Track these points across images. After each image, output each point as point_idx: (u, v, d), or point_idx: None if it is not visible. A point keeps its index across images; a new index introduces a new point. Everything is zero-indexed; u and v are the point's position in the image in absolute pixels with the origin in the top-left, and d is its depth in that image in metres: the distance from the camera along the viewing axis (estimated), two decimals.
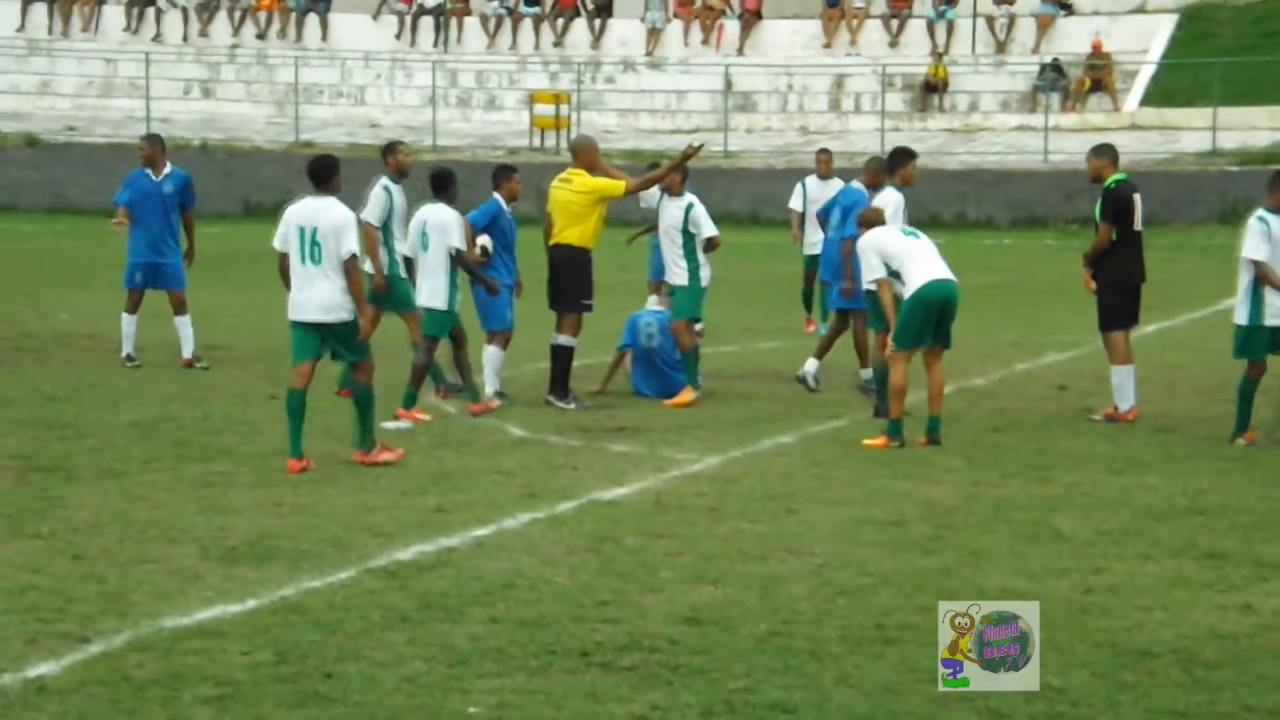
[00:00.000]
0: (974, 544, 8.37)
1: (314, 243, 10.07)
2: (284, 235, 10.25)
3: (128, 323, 14.33)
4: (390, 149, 12.87)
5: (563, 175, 12.70)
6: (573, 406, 12.23)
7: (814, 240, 16.06)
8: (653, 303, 13.74)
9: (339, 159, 10.78)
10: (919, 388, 11.25)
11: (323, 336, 10.29)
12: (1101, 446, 11.05)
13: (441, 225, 12.03)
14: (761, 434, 11.38)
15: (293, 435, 10.11)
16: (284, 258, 10.28)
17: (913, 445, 10.91)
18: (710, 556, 8.10)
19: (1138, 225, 12.09)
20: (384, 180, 12.58)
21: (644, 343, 12.98)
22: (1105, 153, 12.28)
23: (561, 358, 12.42)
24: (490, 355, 12.61)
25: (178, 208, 14.34)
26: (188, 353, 14.24)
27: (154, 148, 14.53)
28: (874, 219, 11.59)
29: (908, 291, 10.96)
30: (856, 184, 13.71)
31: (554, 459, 10.49)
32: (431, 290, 12.08)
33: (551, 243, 12.51)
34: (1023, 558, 8.10)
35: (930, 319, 10.96)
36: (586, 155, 12.71)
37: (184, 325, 14.27)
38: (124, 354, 14.23)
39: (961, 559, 8.06)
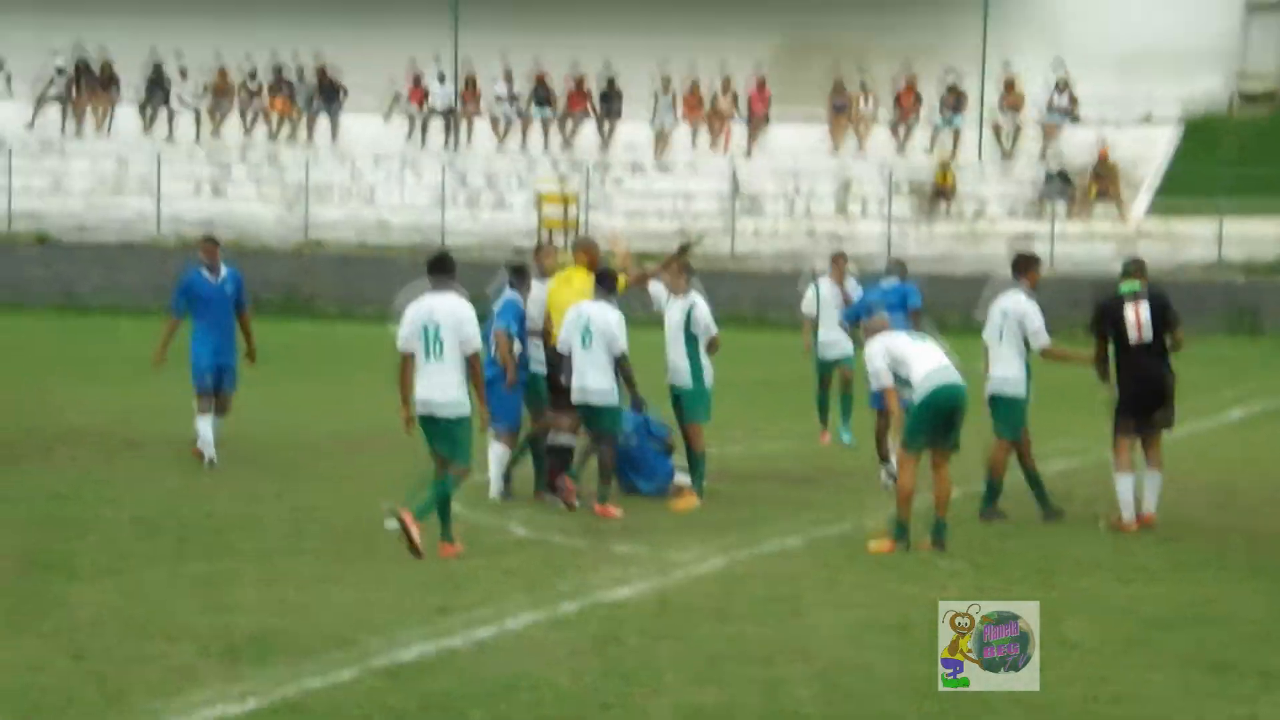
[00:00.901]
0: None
1: (437, 339, 10.35)
2: (408, 337, 10.50)
3: (206, 426, 13.91)
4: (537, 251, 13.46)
5: (563, 275, 12.77)
6: (561, 504, 12.24)
7: (829, 341, 15.80)
8: None
9: (453, 256, 11.16)
10: (925, 490, 11.21)
11: (436, 428, 10.47)
12: (1108, 553, 10.99)
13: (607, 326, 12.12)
14: (767, 536, 11.33)
15: (442, 521, 10.40)
16: (406, 361, 10.50)
17: (918, 549, 10.86)
18: (714, 658, 8.04)
19: (1131, 338, 12.08)
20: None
21: (621, 442, 12.90)
22: (1124, 265, 12.48)
23: (563, 455, 12.42)
24: (496, 454, 12.61)
25: (237, 308, 14.29)
26: (210, 453, 13.90)
27: (216, 249, 14.36)
28: (880, 326, 11.63)
29: (917, 396, 10.96)
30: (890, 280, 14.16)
31: (557, 559, 10.44)
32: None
33: (555, 341, 12.52)
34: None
35: (939, 423, 10.96)
36: (589, 254, 12.82)
37: (218, 426, 14.10)
38: (208, 458, 13.79)
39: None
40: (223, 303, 14.16)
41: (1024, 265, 12.76)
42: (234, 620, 8.59)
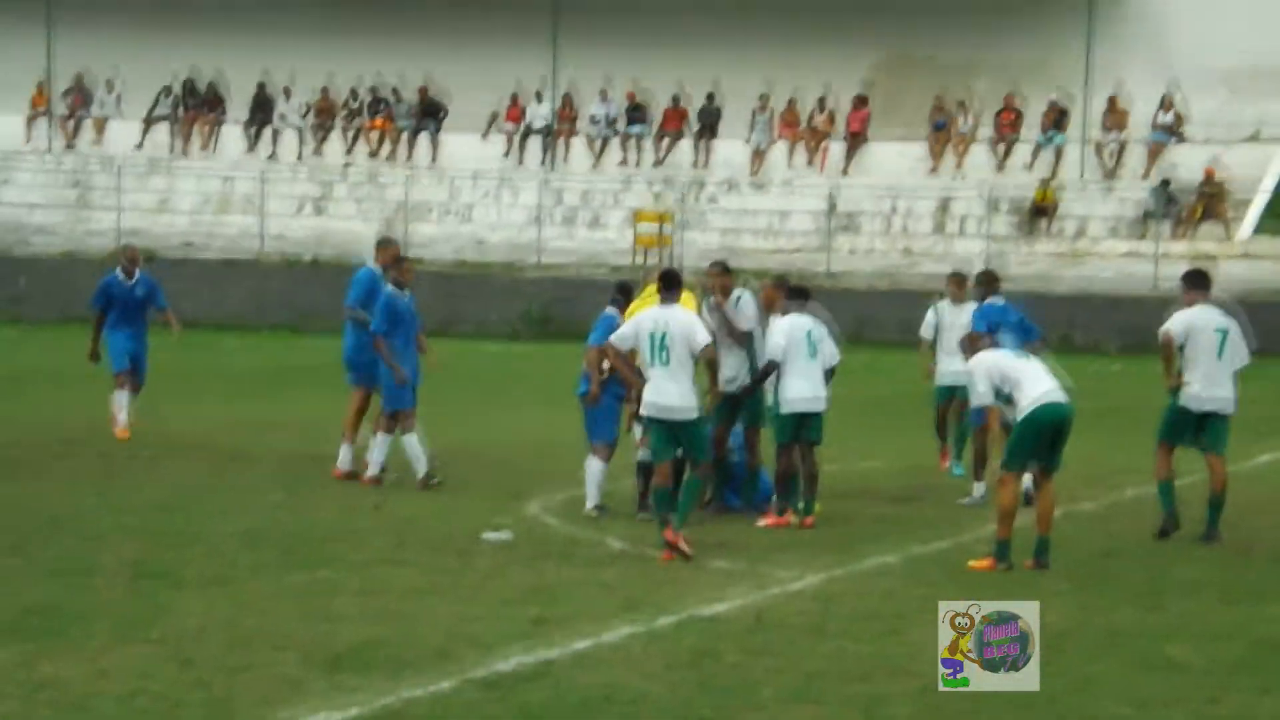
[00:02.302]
0: (1083, 670, 8.19)
1: (663, 346, 10.91)
2: (627, 337, 11.26)
3: (124, 397, 16.27)
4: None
5: (645, 293, 12.62)
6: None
7: (949, 370, 14.40)
8: None
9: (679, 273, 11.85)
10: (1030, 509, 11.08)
11: (675, 434, 10.95)
12: (1216, 574, 10.80)
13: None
14: (864, 554, 11.26)
15: (679, 513, 10.92)
16: (610, 349, 11.41)
17: (1020, 568, 10.74)
18: (811, 675, 8.00)
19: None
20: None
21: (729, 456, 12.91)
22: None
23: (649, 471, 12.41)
24: (594, 468, 12.66)
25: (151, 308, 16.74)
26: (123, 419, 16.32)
27: (136, 256, 16.96)
28: (982, 342, 11.53)
29: (1021, 413, 10.84)
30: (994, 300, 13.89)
31: (654, 573, 10.45)
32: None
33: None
34: (1134, 686, 7.91)
35: (1044, 440, 10.84)
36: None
37: (134, 402, 16.39)
38: (121, 423, 16.09)
39: (1070, 685, 7.88)
40: (134, 303, 16.50)
41: (1202, 281, 12.48)
42: (336, 630, 8.69)
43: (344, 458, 14.10)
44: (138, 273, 16.72)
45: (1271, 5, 33.88)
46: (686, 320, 11.11)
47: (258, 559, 10.61)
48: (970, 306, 14.54)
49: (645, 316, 11.20)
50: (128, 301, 16.55)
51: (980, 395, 11.08)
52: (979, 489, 13.50)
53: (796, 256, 31.84)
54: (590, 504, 12.64)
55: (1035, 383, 10.93)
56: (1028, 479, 11.49)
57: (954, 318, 14.78)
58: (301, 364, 25.40)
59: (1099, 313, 28.23)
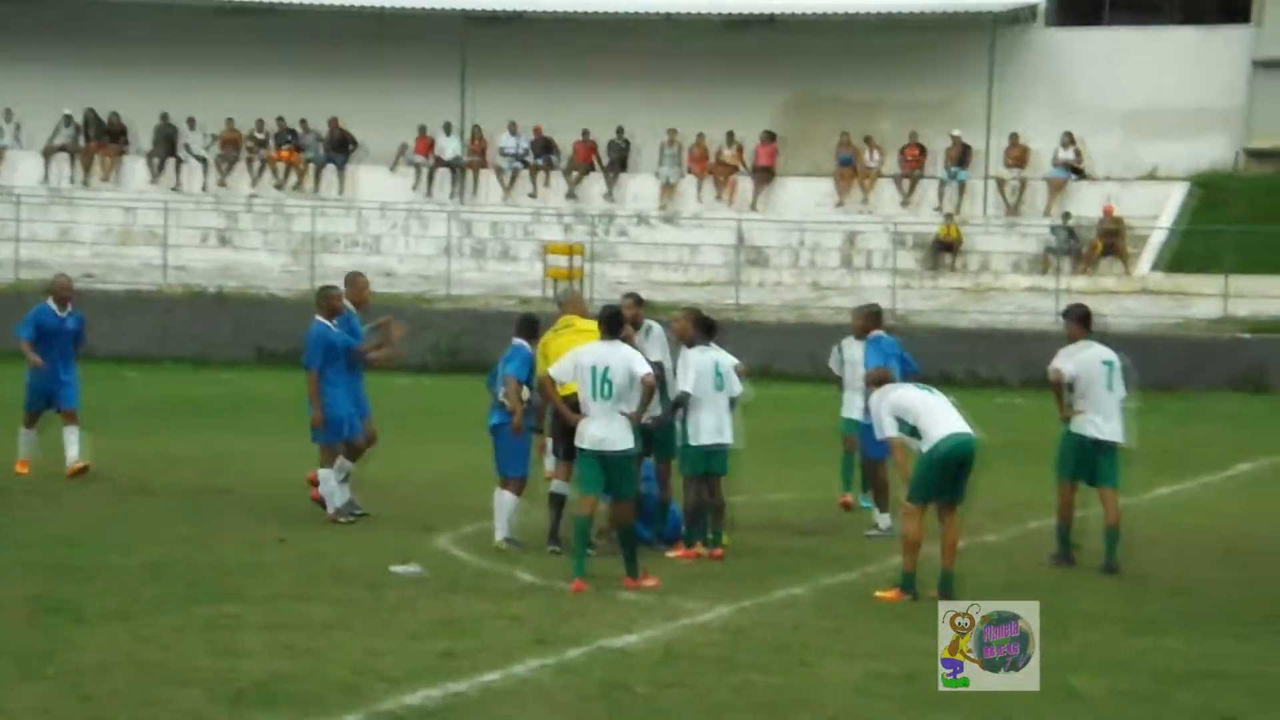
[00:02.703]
0: (989, 700, 8.26)
1: (605, 380, 11.05)
2: (568, 370, 11.33)
3: (29, 439, 16.17)
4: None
5: (559, 326, 12.70)
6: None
7: (855, 405, 14.16)
8: None
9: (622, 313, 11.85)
10: (932, 541, 11.20)
11: (607, 469, 11.07)
12: (1118, 606, 10.97)
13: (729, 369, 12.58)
14: (773, 585, 11.32)
15: (578, 558, 10.96)
16: (549, 382, 11.49)
17: (926, 599, 10.84)
18: (721, 707, 8.03)
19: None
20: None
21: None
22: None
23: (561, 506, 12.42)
24: (505, 501, 12.62)
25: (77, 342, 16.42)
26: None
27: (70, 288, 16.54)
28: (883, 377, 11.67)
29: (925, 446, 10.97)
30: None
31: (563, 605, 10.43)
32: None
33: (568, 393, 12.32)
34: (1039, 716, 7.99)
35: (948, 474, 10.97)
36: (576, 306, 12.96)
37: (81, 437, 15.96)
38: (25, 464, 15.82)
39: (975, 715, 7.95)
40: (66, 336, 16.23)
41: (1086, 317, 12.84)
42: (241, 665, 8.58)
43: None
44: (69, 306, 16.33)
45: (1167, 50, 34.72)
46: (628, 355, 11.34)
47: (162, 593, 10.45)
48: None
49: (586, 352, 11.32)
50: (58, 334, 16.14)
51: (885, 429, 11.20)
52: (884, 520, 13.63)
53: (707, 289, 32.01)
54: (500, 535, 12.60)
55: (939, 417, 11.07)
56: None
57: (858, 353, 14.68)
58: (205, 396, 25.08)
59: (1002, 347, 28.61)
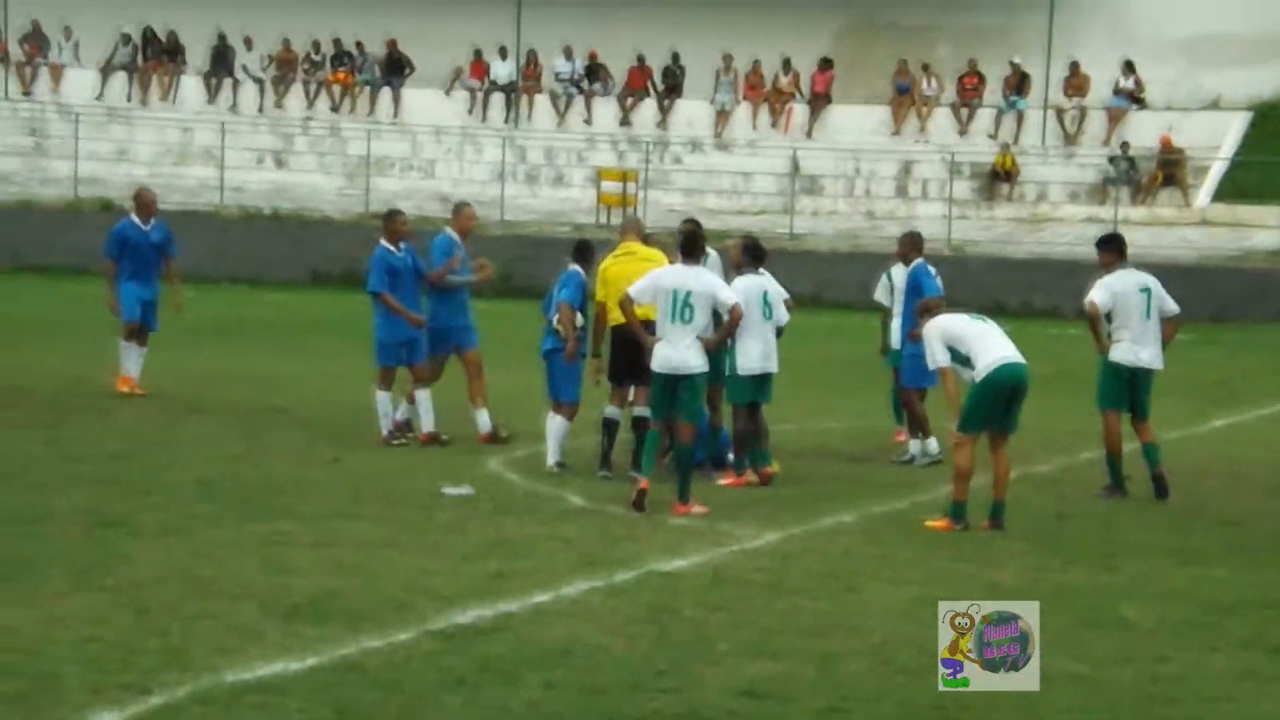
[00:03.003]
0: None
1: (686, 304, 11.03)
2: (647, 291, 11.29)
3: (132, 351, 15.84)
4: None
5: (619, 251, 12.64)
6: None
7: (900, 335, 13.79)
8: None
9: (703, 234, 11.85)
10: (983, 470, 11.17)
11: (673, 388, 11.13)
12: (1168, 537, 10.92)
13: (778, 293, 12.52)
14: (821, 512, 11.33)
15: (646, 458, 11.27)
16: (628, 302, 11.38)
17: (976, 529, 10.83)
18: (768, 631, 8.06)
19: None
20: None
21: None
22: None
23: (645, 430, 12.39)
24: (556, 425, 12.66)
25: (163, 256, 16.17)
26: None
27: (152, 200, 16.36)
28: (935, 306, 11.58)
29: (978, 375, 10.90)
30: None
31: (614, 529, 10.49)
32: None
33: (624, 321, 12.30)
34: (1086, 644, 8.00)
35: (1000, 403, 10.91)
36: (636, 232, 12.86)
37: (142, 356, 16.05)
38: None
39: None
40: (150, 249, 15.91)
41: (1119, 245, 12.68)
42: (293, 581, 8.68)
43: (483, 422, 13.73)
44: (152, 219, 16.12)
45: None
46: (711, 281, 11.36)
47: (214, 509, 10.58)
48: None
49: (666, 274, 11.37)
50: (142, 248, 15.93)
51: (936, 359, 11.13)
52: (915, 446, 13.58)
53: (760, 218, 31.84)
54: (551, 460, 12.66)
55: (991, 345, 10.99)
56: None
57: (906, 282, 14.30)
58: (259, 317, 25.26)
59: (1057, 278, 28.32)
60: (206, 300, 27.57)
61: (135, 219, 16.05)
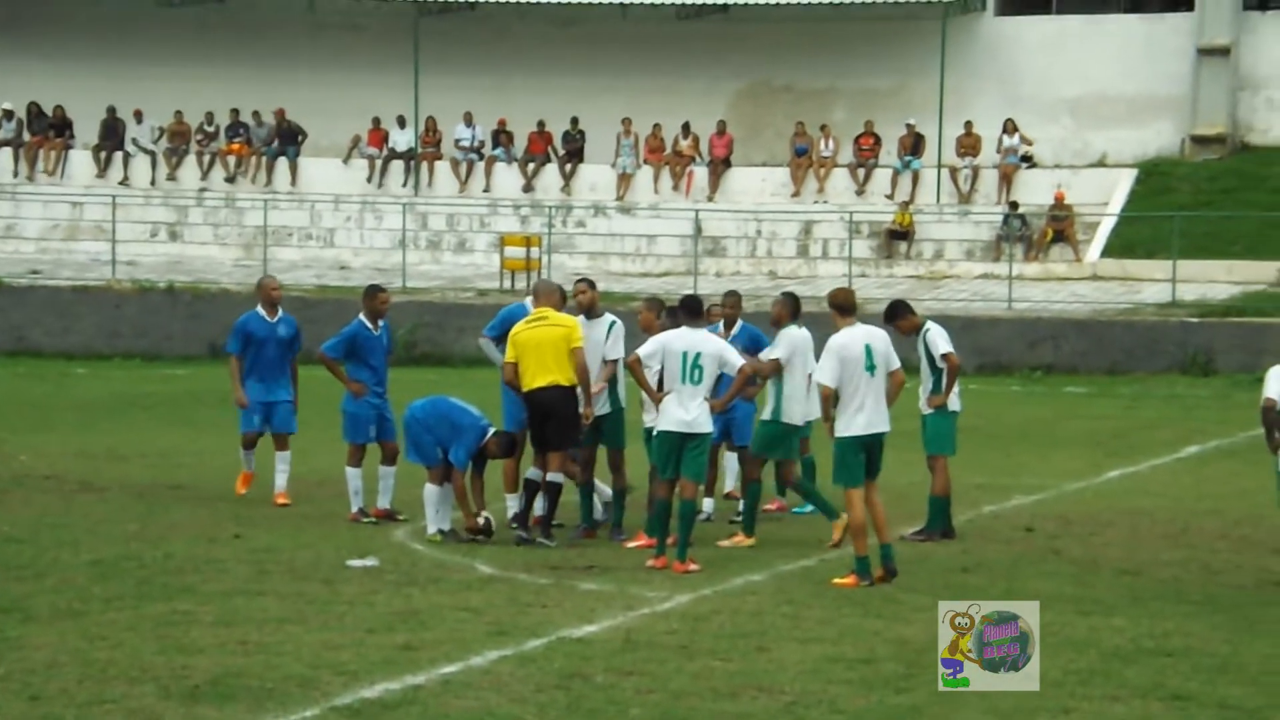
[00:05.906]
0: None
1: (696, 366, 11.40)
2: (655, 355, 11.66)
3: (250, 458, 14.49)
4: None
5: (532, 317, 12.64)
6: (554, 544, 12.19)
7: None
8: None
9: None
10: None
11: (680, 450, 11.43)
12: (1068, 588, 11.04)
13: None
14: (731, 572, 11.33)
15: (680, 543, 11.40)
16: (639, 367, 11.75)
17: (880, 583, 10.87)
18: (680, 694, 8.02)
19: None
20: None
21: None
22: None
23: (555, 495, 12.36)
24: (428, 492, 12.61)
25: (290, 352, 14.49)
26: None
27: (277, 290, 14.58)
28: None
29: (839, 433, 11.13)
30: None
31: (522, 596, 10.40)
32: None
33: (536, 385, 12.22)
34: (992, 696, 8.00)
35: (860, 456, 11.15)
36: (551, 297, 12.78)
37: (287, 462, 14.34)
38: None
39: (932, 697, 7.97)
40: (278, 344, 14.28)
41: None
42: (195, 662, 8.50)
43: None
44: (278, 310, 14.39)
45: (1113, 38, 34.98)
46: (719, 345, 11.84)
47: (112, 590, 10.34)
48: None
49: (674, 338, 11.70)
50: (269, 342, 14.18)
51: (825, 377, 11.19)
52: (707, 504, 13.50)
53: (664, 280, 31.99)
54: (431, 528, 12.57)
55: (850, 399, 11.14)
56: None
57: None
58: (155, 392, 24.86)
59: (956, 333, 28.57)
60: (100, 377, 27.14)
61: (261, 311, 14.31)
